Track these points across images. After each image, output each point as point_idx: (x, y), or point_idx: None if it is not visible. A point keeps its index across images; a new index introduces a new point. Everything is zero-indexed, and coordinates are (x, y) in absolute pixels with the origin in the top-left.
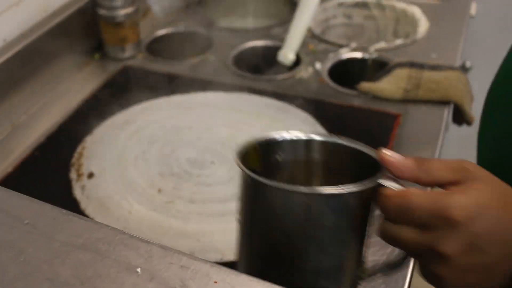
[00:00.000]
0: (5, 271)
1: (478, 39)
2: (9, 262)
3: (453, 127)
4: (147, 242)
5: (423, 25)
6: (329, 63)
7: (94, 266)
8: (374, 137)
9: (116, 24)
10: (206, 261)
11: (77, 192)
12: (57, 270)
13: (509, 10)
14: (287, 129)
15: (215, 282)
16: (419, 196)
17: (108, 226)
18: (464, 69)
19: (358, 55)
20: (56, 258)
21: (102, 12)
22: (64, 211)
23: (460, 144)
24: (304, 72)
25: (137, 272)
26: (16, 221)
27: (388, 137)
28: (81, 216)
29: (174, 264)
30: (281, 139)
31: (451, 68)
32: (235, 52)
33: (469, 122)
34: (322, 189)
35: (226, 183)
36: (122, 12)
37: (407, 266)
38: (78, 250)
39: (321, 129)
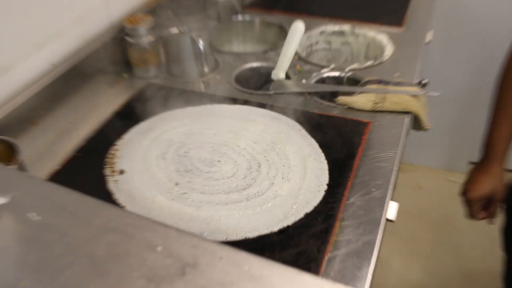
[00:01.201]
0: (52, 249)
1: (432, 60)
2: (55, 242)
3: (412, 132)
4: (166, 226)
5: (389, 49)
6: (312, 81)
7: (123, 245)
8: (348, 141)
9: (141, 50)
10: (213, 241)
11: (111, 185)
12: (94, 248)
13: (456, 36)
14: (278, 133)
15: (220, 258)
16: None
17: (135, 213)
18: (421, 85)
19: (336, 74)
20: (93, 239)
21: (129, 39)
22: (99, 201)
23: (417, 146)
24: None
25: (157, 250)
26: (61, 209)
27: (360, 141)
28: (113, 205)
29: (188, 244)
30: None
31: (411, 84)
32: (236, 71)
33: (425, 129)
34: None
35: (230, 177)
36: (146, 40)
37: (374, 245)
38: (110, 232)
39: (306, 134)
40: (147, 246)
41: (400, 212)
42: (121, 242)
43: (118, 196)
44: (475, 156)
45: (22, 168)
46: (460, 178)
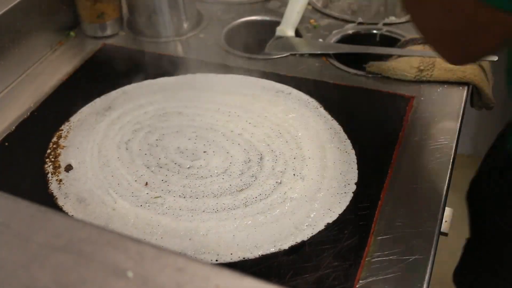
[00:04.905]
0: None
1: None
2: None
3: (470, 111)
4: (138, 242)
5: None
6: (332, 40)
7: (77, 270)
8: (384, 122)
9: None
10: (205, 263)
11: (53, 187)
12: (36, 275)
13: None
14: (287, 113)
15: (217, 287)
16: None
17: (93, 224)
18: None
19: (365, 30)
20: (34, 262)
21: None
22: (42, 208)
23: (478, 131)
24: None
25: (127, 276)
26: None
27: (401, 122)
28: (62, 214)
29: (169, 267)
30: None
31: None
32: (227, 28)
33: (489, 106)
34: None
35: (221, 175)
36: None
37: (426, 265)
38: (59, 252)
39: (326, 114)
40: (112, 270)
41: (453, 222)
42: (75, 266)
43: (64, 201)
44: None
45: None
46: None
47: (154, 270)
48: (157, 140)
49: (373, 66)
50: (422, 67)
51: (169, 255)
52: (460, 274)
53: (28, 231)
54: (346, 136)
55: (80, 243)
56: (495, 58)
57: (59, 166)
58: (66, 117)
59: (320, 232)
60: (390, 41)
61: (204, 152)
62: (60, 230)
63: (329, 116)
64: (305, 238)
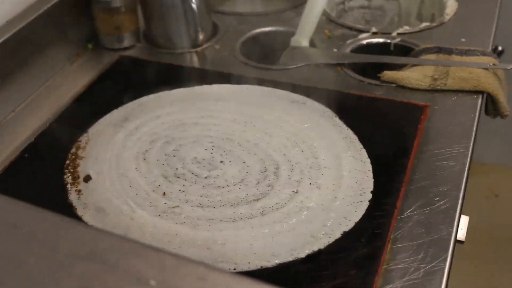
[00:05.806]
0: (4, 286)
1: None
2: (8, 276)
3: (485, 120)
4: (159, 251)
5: (451, 6)
6: (347, 49)
7: (102, 278)
8: (399, 132)
9: (112, 11)
10: (227, 272)
11: (73, 197)
12: (62, 283)
13: None
14: (302, 123)
15: None
16: None
17: (114, 234)
18: (496, 53)
19: (379, 40)
20: (60, 271)
21: None
22: (65, 218)
23: (491, 139)
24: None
25: (150, 284)
26: (14, 230)
27: (415, 131)
28: (85, 224)
29: (190, 275)
30: None
31: (483, 53)
32: (242, 39)
33: (504, 115)
34: None
35: (238, 184)
36: None
37: (443, 272)
38: (84, 261)
39: (341, 123)
40: (135, 278)
41: (469, 230)
42: (99, 274)
43: (83, 211)
44: None
45: None
46: None
47: (176, 279)
48: (174, 150)
49: (387, 75)
50: (436, 76)
51: (190, 263)
52: None
53: (54, 240)
54: (361, 145)
55: (104, 252)
56: (510, 66)
57: (78, 177)
58: (84, 128)
59: (336, 241)
60: (404, 50)
61: (221, 162)
62: (84, 240)
63: (344, 126)
64: (322, 247)
